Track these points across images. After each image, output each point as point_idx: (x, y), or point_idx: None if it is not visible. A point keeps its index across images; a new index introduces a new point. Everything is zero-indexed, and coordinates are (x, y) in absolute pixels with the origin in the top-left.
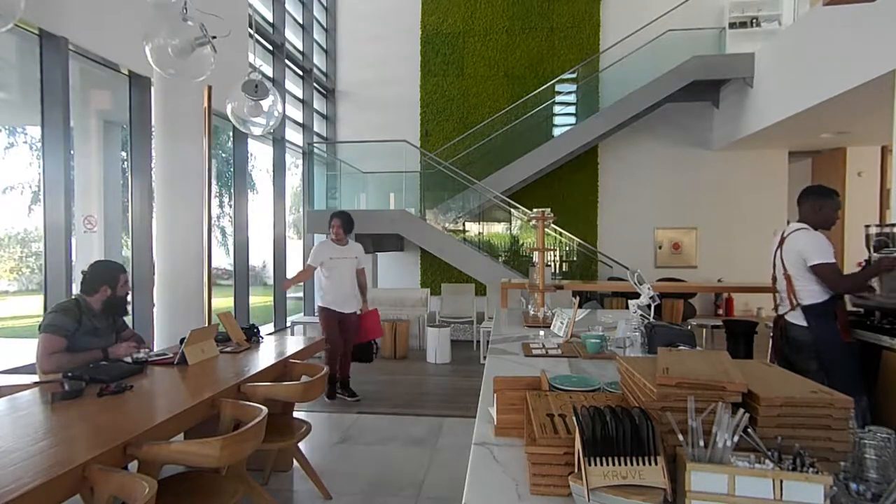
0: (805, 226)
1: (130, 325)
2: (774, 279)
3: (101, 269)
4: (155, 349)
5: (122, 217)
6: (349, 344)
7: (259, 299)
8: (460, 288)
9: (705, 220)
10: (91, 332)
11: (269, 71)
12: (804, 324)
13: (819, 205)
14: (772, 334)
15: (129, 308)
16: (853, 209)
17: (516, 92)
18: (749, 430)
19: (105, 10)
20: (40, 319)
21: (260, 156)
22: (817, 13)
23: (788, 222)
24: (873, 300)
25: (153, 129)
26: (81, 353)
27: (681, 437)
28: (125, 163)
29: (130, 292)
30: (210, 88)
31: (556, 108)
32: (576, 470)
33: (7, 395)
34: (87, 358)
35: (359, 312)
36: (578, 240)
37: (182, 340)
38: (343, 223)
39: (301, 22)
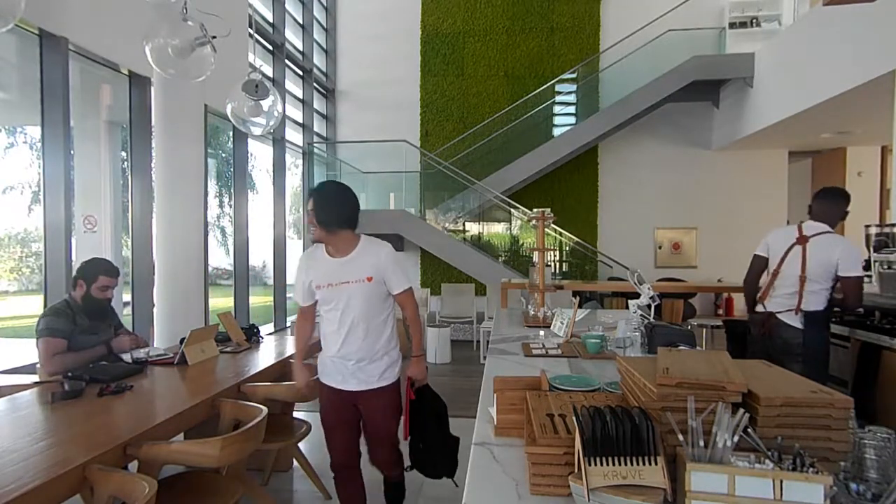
0: (830, 229)
1: (131, 325)
2: (776, 274)
3: (84, 265)
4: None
5: (122, 217)
6: (379, 451)
7: (259, 299)
8: (460, 288)
9: (705, 220)
10: (88, 331)
11: (269, 71)
12: (799, 326)
13: (845, 209)
14: (761, 332)
15: (112, 311)
16: (853, 209)
17: (516, 92)
18: (749, 430)
19: (105, 10)
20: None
21: (260, 156)
22: (817, 13)
23: (788, 222)
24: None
25: (153, 129)
26: (85, 351)
27: (681, 437)
28: (125, 163)
29: (111, 297)
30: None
31: (556, 108)
32: (576, 470)
33: (7, 395)
34: (91, 354)
35: (389, 384)
36: (578, 240)
37: (182, 340)
38: (322, 209)
39: (301, 22)
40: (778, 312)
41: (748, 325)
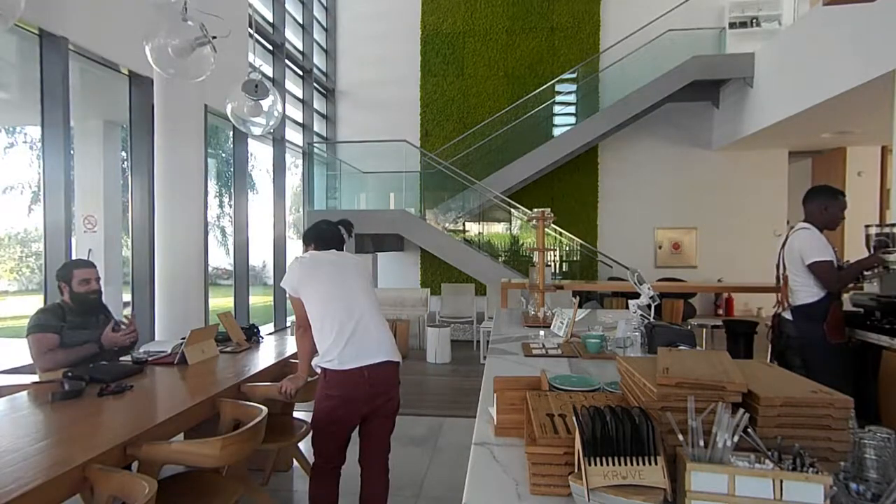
0: (808, 225)
1: None
2: (778, 279)
3: (60, 268)
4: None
5: (122, 217)
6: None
7: (259, 299)
8: (460, 288)
9: (705, 220)
10: (79, 327)
11: (269, 71)
12: (791, 319)
13: (825, 204)
14: (770, 333)
15: (104, 307)
16: (853, 209)
17: (516, 92)
18: (749, 430)
19: (105, 10)
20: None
21: (260, 156)
22: (817, 13)
23: (788, 222)
24: (872, 299)
25: (153, 129)
26: (76, 348)
27: (681, 437)
28: (125, 163)
29: (98, 289)
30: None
31: (556, 108)
32: (576, 470)
33: (7, 395)
34: (83, 352)
35: None
36: (578, 240)
37: (182, 340)
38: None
39: (301, 22)
40: (782, 311)
41: (750, 325)
